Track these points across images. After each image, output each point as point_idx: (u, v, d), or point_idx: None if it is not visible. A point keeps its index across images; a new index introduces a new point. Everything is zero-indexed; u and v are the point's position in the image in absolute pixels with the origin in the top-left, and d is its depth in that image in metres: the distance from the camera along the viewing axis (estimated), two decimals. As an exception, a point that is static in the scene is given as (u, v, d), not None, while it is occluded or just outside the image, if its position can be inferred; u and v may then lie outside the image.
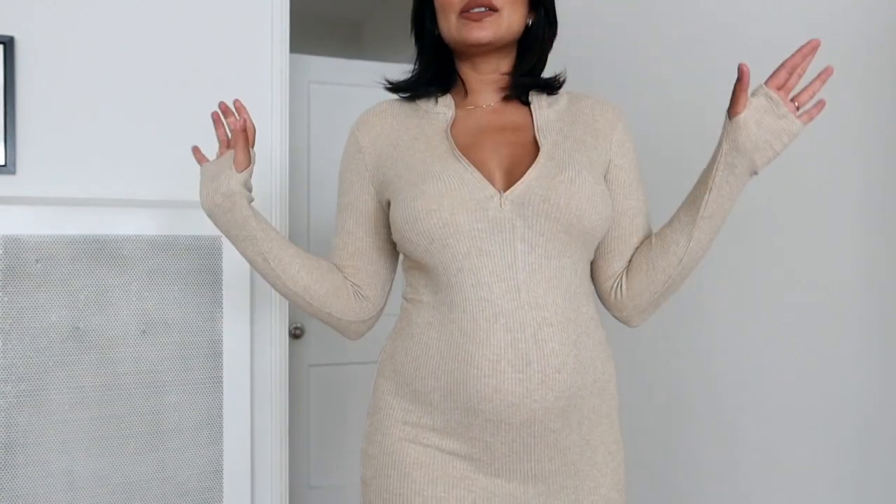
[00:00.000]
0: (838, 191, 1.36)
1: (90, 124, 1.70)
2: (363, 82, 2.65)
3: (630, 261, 1.04)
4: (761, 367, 1.52)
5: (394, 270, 1.11)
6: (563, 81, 1.08)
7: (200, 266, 1.74)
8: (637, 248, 1.04)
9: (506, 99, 1.05)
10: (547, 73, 1.09)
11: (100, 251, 1.64)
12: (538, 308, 0.91)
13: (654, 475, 1.82)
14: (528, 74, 1.05)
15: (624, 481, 1.03)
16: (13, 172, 1.62)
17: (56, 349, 1.59)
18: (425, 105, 1.05)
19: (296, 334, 2.59)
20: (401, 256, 1.09)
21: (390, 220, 0.99)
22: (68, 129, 1.68)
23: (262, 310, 1.88)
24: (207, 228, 1.75)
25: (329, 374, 2.68)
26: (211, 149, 1.78)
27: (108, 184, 1.72)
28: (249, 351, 1.81)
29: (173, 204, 1.75)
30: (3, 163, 1.60)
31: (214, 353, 1.75)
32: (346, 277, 1.08)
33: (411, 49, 1.11)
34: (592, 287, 1.05)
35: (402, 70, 1.16)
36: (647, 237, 1.05)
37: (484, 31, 0.96)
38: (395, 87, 1.07)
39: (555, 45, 1.10)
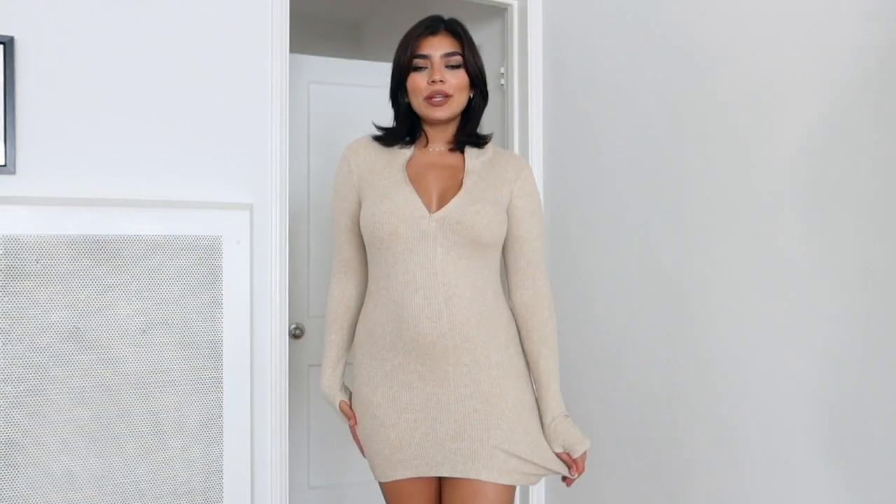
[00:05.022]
0: (839, 190, 1.36)
1: (90, 124, 1.70)
2: (363, 82, 2.64)
3: (523, 304, 1.47)
4: (762, 366, 1.52)
5: None
6: (490, 138, 1.53)
7: (200, 266, 1.74)
8: (531, 294, 1.47)
9: (451, 150, 1.50)
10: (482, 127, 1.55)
11: (100, 251, 1.63)
12: (449, 286, 1.35)
13: (654, 474, 1.82)
14: (466, 134, 1.50)
15: (525, 414, 1.40)
16: (13, 172, 1.62)
17: (56, 349, 1.59)
18: (397, 146, 1.50)
19: (296, 334, 2.59)
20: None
21: (360, 220, 1.44)
22: (68, 129, 1.68)
23: (262, 310, 1.88)
24: (207, 228, 1.75)
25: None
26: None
27: (108, 184, 1.72)
28: (249, 351, 1.81)
29: (173, 204, 1.75)
30: (3, 163, 1.60)
31: (214, 353, 1.75)
32: (350, 278, 1.54)
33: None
34: (497, 279, 1.45)
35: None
36: (534, 270, 1.47)
37: (442, 112, 1.42)
38: (380, 137, 1.51)
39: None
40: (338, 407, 1.51)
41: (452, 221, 1.36)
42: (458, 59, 1.43)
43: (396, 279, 1.37)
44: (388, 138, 1.50)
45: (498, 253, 1.46)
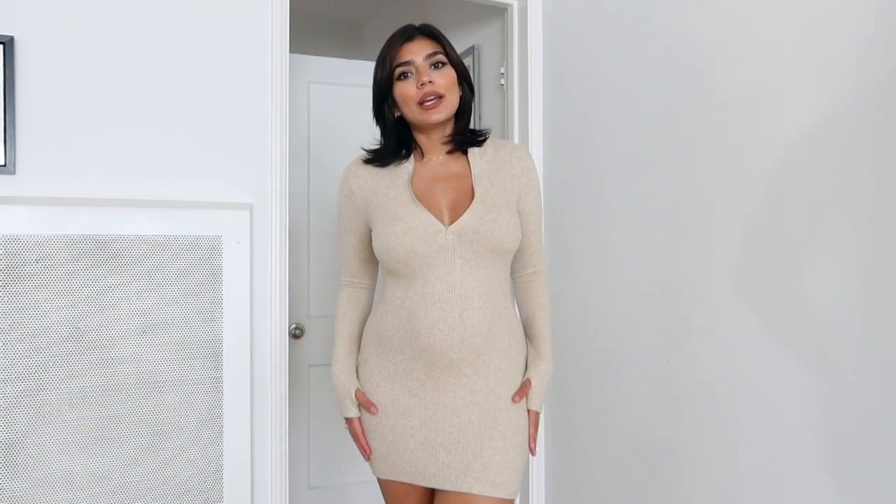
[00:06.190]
0: (839, 192, 1.36)
1: (90, 124, 1.70)
2: (363, 82, 2.63)
3: (523, 280, 1.55)
4: (762, 366, 1.52)
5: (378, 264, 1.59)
6: (488, 134, 1.52)
7: (200, 266, 1.74)
8: (530, 273, 1.55)
9: (449, 152, 1.49)
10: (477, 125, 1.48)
11: (100, 251, 1.64)
12: (466, 298, 1.35)
13: (653, 474, 1.82)
14: (462, 132, 1.48)
15: (525, 430, 1.43)
16: (13, 172, 1.62)
17: (56, 349, 1.59)
18: (393, 164, 1.47)
19: (296, 334, 2.59)
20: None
21: (372, 243, 1.43)
22: (68, 129, 1.68)
23: (262, 310, 1.88)
24: (207, 228, 1.75)
25: (329, 374, 2.68)
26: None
27: (108, 184, 1.72)
28: (249, 351, 1.81)
29: (173, 204, 1.75)
30: (3, 163, 1.60)
31: (214, 353, 1.75)
32: (358, 288, 1.57)
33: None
34: (507, 278, 1.47)
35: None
36: (536, 257, 1.54)
37: (439, 115, 1.40)
38: (371, 160, 1.48)
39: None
40: (353, 395, 1.46)
41: (471, 232, 1.35)
42: (441, 57, 1.42)
43: (415, 291, 1.36)
44: (381, 159, 1.47)
45: (511, 256, 1.46)
